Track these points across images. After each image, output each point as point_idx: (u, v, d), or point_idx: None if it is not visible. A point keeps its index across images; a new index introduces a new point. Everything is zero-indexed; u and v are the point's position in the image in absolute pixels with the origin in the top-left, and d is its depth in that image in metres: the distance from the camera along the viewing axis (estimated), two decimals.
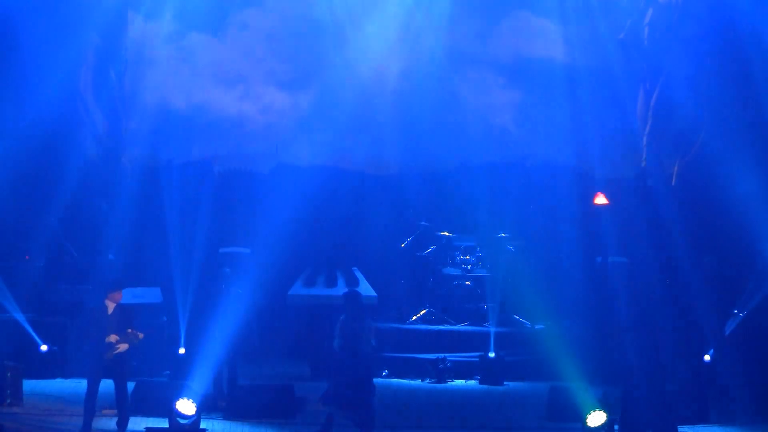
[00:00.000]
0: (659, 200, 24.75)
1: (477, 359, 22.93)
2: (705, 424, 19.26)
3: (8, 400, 19.63)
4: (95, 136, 25.10)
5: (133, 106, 25.27)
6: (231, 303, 19.55)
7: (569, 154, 25.49)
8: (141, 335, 17.34)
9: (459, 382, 22.70)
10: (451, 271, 24.79)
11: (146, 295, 22.99)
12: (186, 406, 17.29)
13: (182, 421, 17.32)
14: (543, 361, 21.49)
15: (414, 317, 24.32)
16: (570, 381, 19.21)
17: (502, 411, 20.29)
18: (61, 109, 24.14)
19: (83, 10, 24.34)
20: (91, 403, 17.27)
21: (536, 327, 23.80)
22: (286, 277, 24.66)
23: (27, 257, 23.69)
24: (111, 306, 17.34)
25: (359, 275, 24.87)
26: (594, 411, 17.31)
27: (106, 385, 17.46)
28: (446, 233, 24.98)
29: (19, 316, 22.00)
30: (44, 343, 21.89)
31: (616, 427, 17.30)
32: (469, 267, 24.74)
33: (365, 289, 24.06)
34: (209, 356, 18.77)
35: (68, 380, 21.64)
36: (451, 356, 22.95)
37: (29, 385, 20.36)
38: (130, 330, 17.24)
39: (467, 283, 24.53)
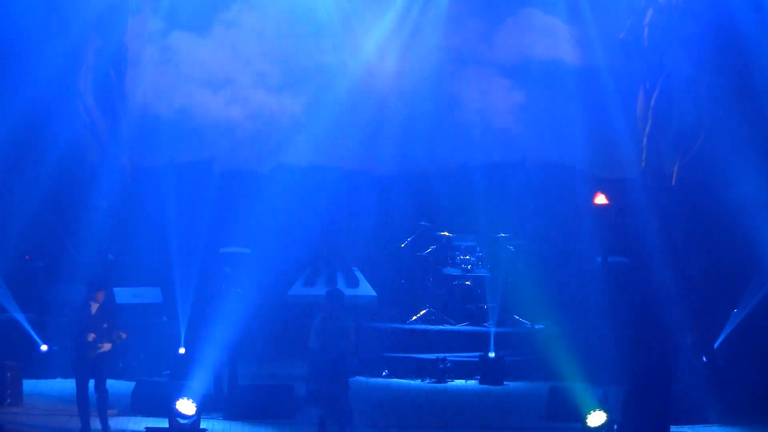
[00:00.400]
0: (659, 200, 24.73)
1: (477, 359, 22.93)
2: (705, 424, 19.26)
3: (8, 400, 19.63)
4: (95, 136, 25.07)
5: (132, 107, 25.28)
6: (231, 303, 19.55)
7: (569, 154, 25.48)
8: (124, 335, 17.42)
9: (459, 382, 22.69)
10: (451, 271, 24.78)
11: (146, 295, 23.03)
12: (186, 406, 17.26)
13: (182, 421, 17.29)
14: (543, 361, 21.51)
15: (414, 317, 24.32)
16: (570, 381, 19.23)
17: (502, 411, 20.28)
18: (61, 109, 24.13)
19: (83, 11, 24.32)
20: (83, 403, 17.32)
21: (536, 327, 23.80)
22: (286, 277, 24.66)
23: (27, 257, 23.69)
24: (95, 306, 17.39)
25: (359, 275, 24.86)
26: (594, 411, 17.29)
27: (107, 385, 17.47)
28: (446, 233, 24.98)
29: (19, 316, 22.00)
30: (44, 343, 21.88)
31: (616, 427, 17.28)
32: (469, 267, 24.74)
33: (365, 289, 24.05)
34: (209, 356, 18.77)
35: (68, 380, 21.57)
36: (451, 356, 22.95)
37: (29, 385, 20.37)
38: (106, 327, 17.26)
39: (467, 283, 24.52)
